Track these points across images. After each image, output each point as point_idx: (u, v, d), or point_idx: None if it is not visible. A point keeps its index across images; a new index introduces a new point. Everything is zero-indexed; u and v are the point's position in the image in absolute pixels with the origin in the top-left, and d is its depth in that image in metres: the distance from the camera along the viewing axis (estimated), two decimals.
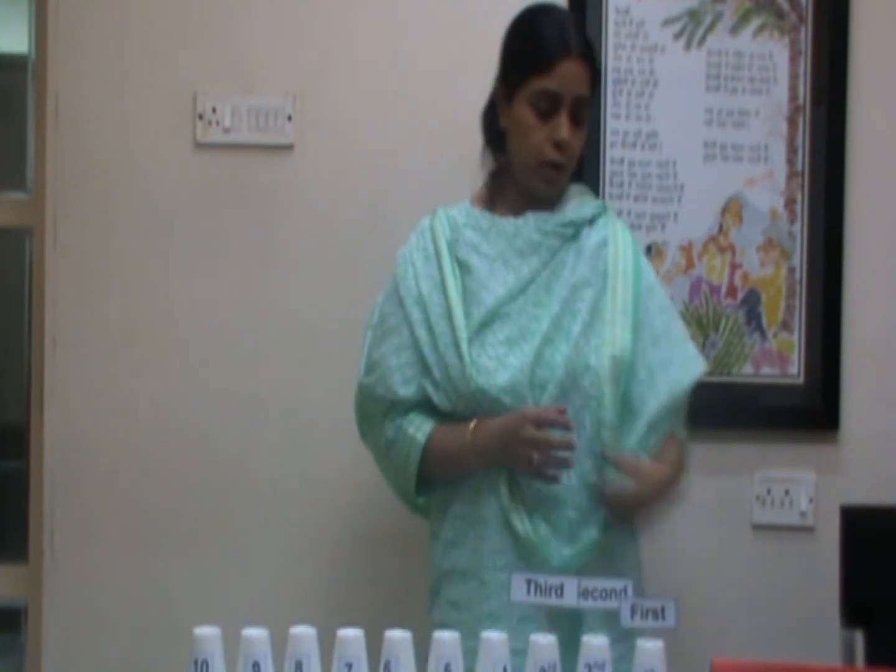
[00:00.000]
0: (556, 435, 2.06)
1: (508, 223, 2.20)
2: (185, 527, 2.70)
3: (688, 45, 2.72)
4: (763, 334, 2.74)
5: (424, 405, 2.19)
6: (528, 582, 1.77)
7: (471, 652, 1.71)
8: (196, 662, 1.68)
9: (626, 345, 2.14)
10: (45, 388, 2.69)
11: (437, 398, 2.16)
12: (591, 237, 2.21)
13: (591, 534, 2.11)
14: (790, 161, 2.74)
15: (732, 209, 2.74)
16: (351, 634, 1.69)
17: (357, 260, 2.70)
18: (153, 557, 2.70)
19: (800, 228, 2.74)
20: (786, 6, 2.74)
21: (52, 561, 2.69)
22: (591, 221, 2.23)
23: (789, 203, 2.74)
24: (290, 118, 2.69)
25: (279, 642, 1.71)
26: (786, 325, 2.75)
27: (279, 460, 2.70)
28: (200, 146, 2.70)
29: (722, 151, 2.73)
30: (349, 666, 1.67)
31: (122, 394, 2.70)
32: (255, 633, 1.70)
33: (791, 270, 2.74)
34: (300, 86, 2.70)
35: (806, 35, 2.74)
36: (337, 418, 2.69)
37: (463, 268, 2.18)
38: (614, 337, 2.14)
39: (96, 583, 2.69)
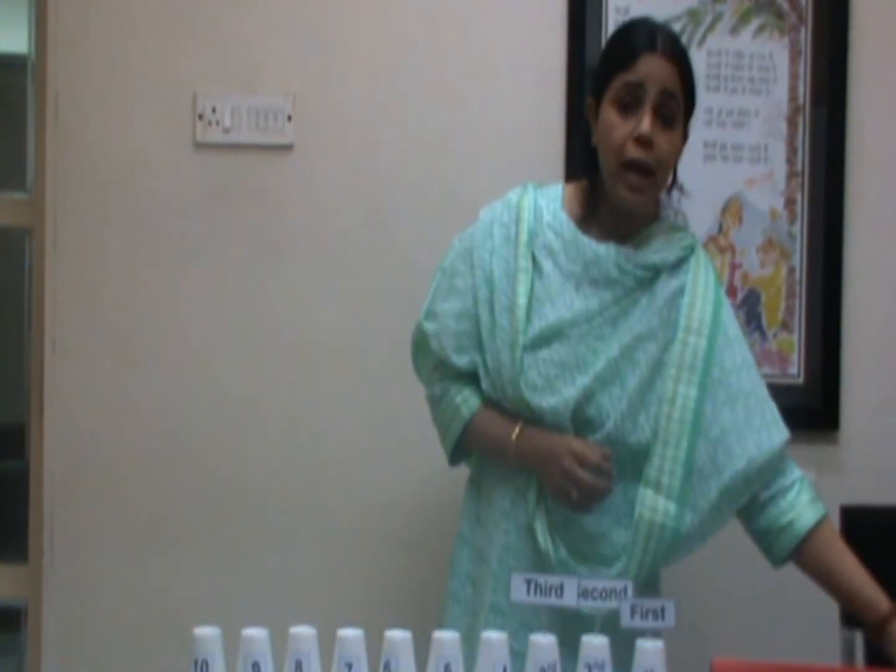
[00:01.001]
0: (594, 478, 2.01)
1: (589, 247, 2.09)
2: (185, 527, 2.70)
3: (688, 45, 2.72)
4: (763, 334, 2.74)
5: (475, 376, 2.14)
6: (528, 582, 1.77)
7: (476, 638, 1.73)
8: (196, 662, 1.68)
9: (690, 403, 2.03)
10: (45, 388, 2.69)
11: (484, 383, 2.12)
12: (668, 283, 2.09)
13: (609, 570, 2.03)
14: (790, 161, 2.74)
15: (732, 209, 2.74)
16: (351, 634, 1.69)
17: (357, 260, 2.70)
18: (153, 558, 2.70)
19: (799, 228, 2.74)
20: (786, 6, 2.74)
21: (52, 561, 2.69)
22: (675, 265, 2.11)
23: (789, 203, 2.74)
24: (289, 118, 2.69)
25: (279, 642, 1.71)
26: (786, 325, 2.75)
27: (279, 460, 2.70)
28: (200, 146, 2.70)
29: (722, 151, 2.73)
30: (349, 666, 1.67)
31: (122, 394, 2.70)
32: (255, 633, 1.70)
33: (791, 270, 2.74)
34: (300, 86, 2.70)
35: (806, 35, 2.74)
36: (337, 418, 2.70)
37: (536, 267, 2.10)
38: (675, 394, 2.04)
39: (96, 583, 2.69)
